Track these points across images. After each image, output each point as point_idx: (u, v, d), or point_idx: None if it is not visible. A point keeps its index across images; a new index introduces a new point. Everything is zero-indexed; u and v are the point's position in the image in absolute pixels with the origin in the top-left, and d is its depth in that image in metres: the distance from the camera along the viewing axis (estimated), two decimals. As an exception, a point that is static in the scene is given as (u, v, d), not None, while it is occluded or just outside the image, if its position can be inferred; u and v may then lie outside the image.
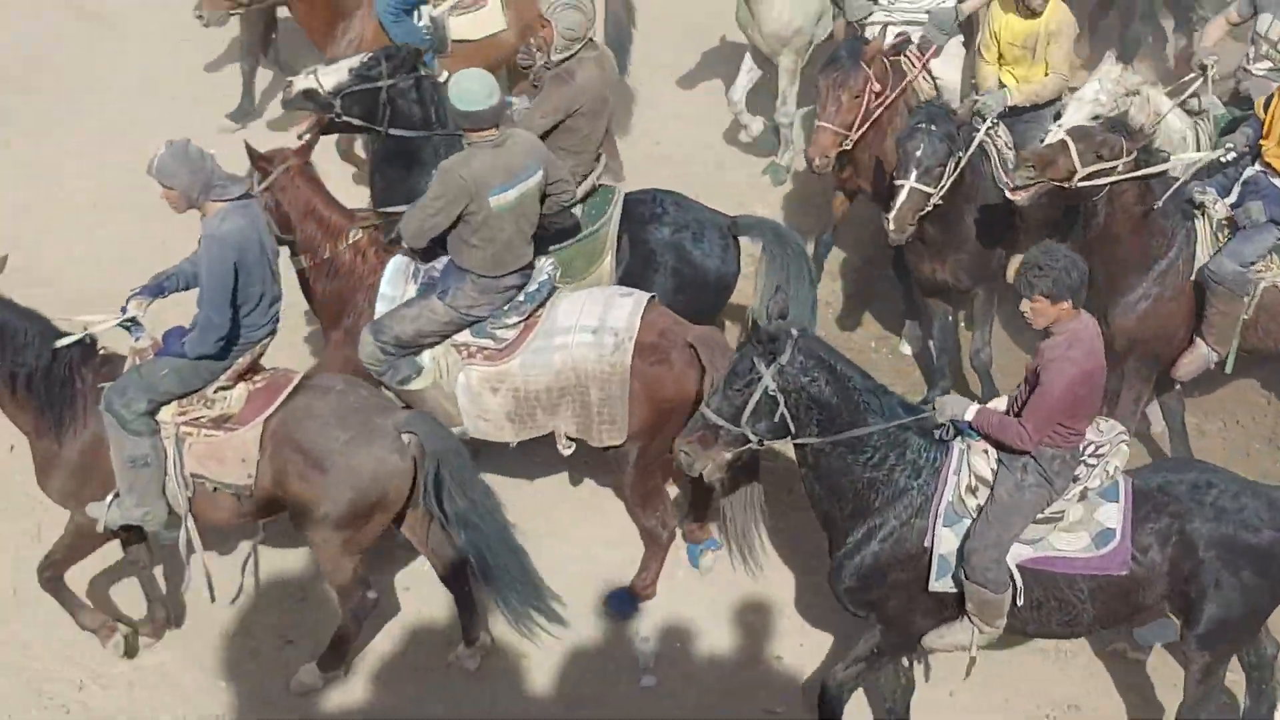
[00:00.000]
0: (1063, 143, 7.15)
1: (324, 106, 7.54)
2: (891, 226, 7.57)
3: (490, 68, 8.91)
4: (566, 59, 7.33)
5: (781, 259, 7.40)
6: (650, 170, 9.68)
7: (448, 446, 6.54)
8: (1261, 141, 7.64)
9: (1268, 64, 8.18)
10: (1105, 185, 7.16)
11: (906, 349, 9.13)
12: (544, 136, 7.24)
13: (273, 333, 6.66)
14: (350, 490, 6.46)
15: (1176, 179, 7.42)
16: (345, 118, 7.54)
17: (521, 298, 6.95)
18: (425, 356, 6.94)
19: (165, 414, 6.48)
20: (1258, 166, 7.62)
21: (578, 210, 7.48)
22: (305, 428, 6.49)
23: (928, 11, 8.65)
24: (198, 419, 6.50)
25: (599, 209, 7.56)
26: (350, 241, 7.12)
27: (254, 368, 6.66)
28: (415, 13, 8.97)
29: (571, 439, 7.02)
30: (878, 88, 8.10)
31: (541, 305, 6.99)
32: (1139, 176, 7.21)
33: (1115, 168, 7.11)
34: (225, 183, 6.32)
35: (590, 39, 7.38)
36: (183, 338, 6.44)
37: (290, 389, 6.58)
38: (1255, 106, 7.79)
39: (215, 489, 6.57)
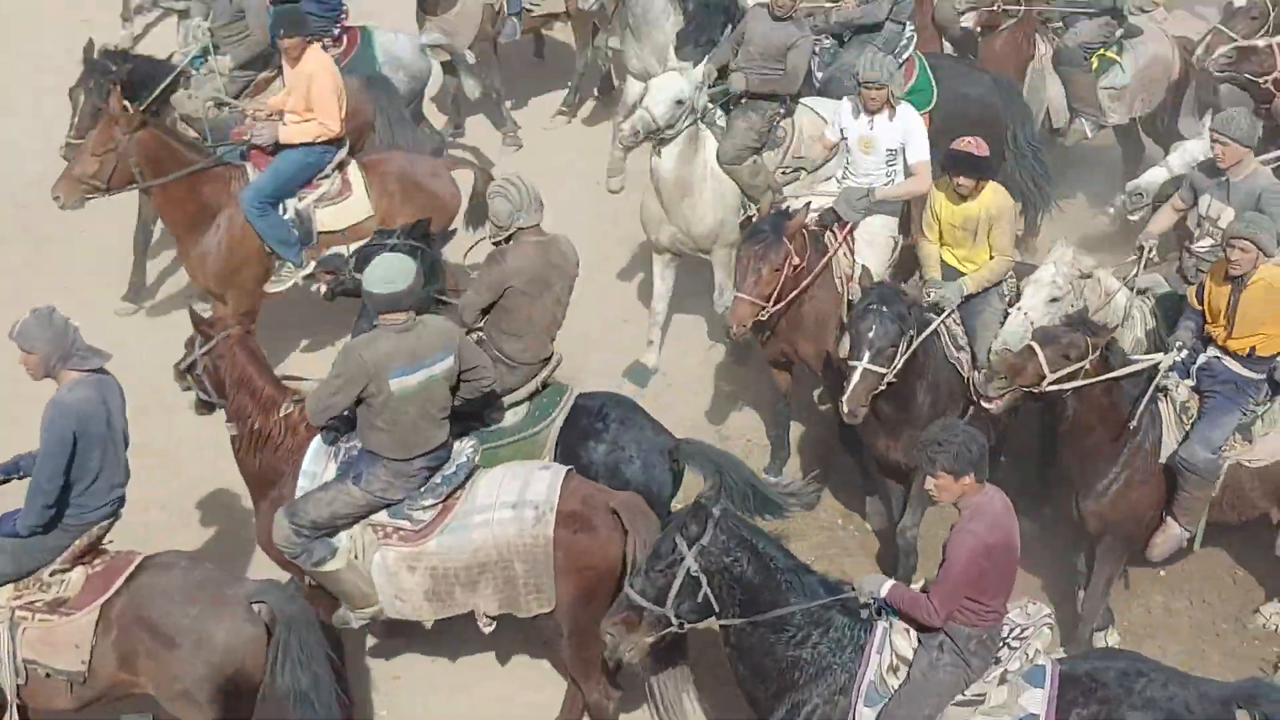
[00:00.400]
0: (1030, 349, 7.31)
1: (339, 265, 7.94)
2: (845, 408, 7.64)
3: None
4: (502, 241, 7.55)
5: (726, 490, 7.28)
6: (612, 355, 9.90)
7: (300, 615, 6.51)
8: (1209, 329, 7.72)
9: (1209, 241, 8.26)
10: (1073, 388, 7.30)
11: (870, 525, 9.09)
12: (484, 316, 7.47)
13: (113, 516, 6.67)
14: (204, 665, 6.40)
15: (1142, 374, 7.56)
16: (354, 275, 7.75)
17: (438, 480, 6.98)
18: (342, 537, 6.96)
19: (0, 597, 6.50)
20: (1211, 352, 7.70)
21: (524, 408, 7.58)
22: (152, 606, 6.47)
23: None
24: (32, 603, 6.50)
25: (544, 410, 7.61)
26: (282, 415, 7.20)
27: (93, 551, 6.67)
28: (280, 206, 9.14)
29: (493, 617, 7.00)
30: (797, 261, 8.27)
31: (460, 487, 7.02)
32: (1109, 379, 7.38)
33: (1083, 367, 7.26)
34: (85, 354, 6.46)
35: (536, 225, 7.53)
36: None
37: (130, 570, 6.58)
38: (1188, 297, 7.90)
39: (48, 675, 6.52)
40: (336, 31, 10.46)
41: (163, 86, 9.66)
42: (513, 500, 6.90)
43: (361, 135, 10.00)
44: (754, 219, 9.23)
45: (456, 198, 9.37)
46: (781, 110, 9.45)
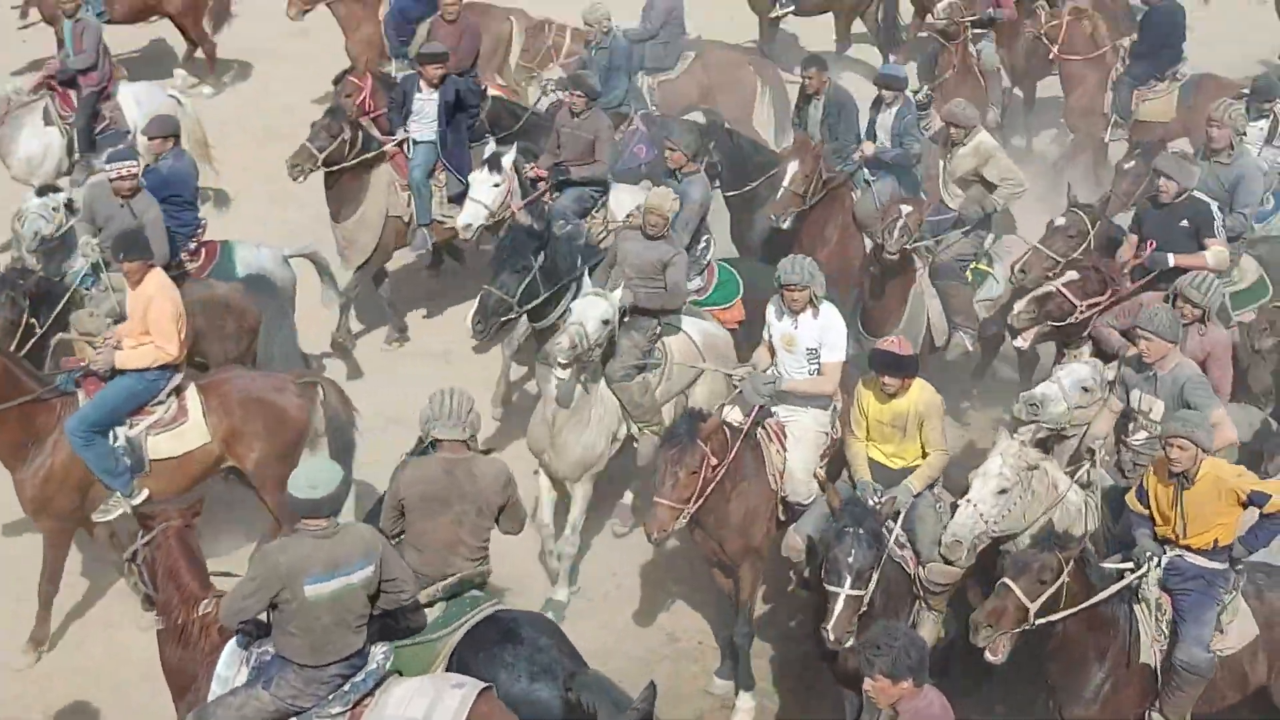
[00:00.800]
0: (1004, 586, 7.26)
1: None
2: (831, 636, 7.51)
3: (194, 482, 9.06)
4: (427, 448, 7.51)
5: None
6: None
7: None
8: (1161, 530, 7.70)
9: (1144, 434, 8.30)
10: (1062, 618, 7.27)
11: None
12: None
13: None
14: None
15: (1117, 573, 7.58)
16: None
17: (347, 687, 6.74)
18: (251, 742, 6.70)
19: None
20: (1173, 552, 7.66)
21: (439, 608, 7.37)
22: None
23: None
24: None
25: (450, 619, 7.36)
26: (200, 613, 7.01)
27: None
28: (110, 433, 8.88)
29: None
30: (714, 461, 8.25)
31: (370, 694, 6.78)
32: (1098, 602, 7.36)
33: (1064, 583, 7.20)
34: None
35: (459, 442, 7.39)
36: None
37: None
38: (1129, 501, 7.88)
39: None
40: (193, 246, 10.47)
41: (61, 305, 9.61)
42: (419, 717, 6.65)
43: (253, 336, 10.06)
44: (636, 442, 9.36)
45: (303, 410, 9.25)
46: (659, 329, 9.58)
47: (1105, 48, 13.59)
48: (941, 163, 11.03)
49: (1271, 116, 11.29)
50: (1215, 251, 9.52)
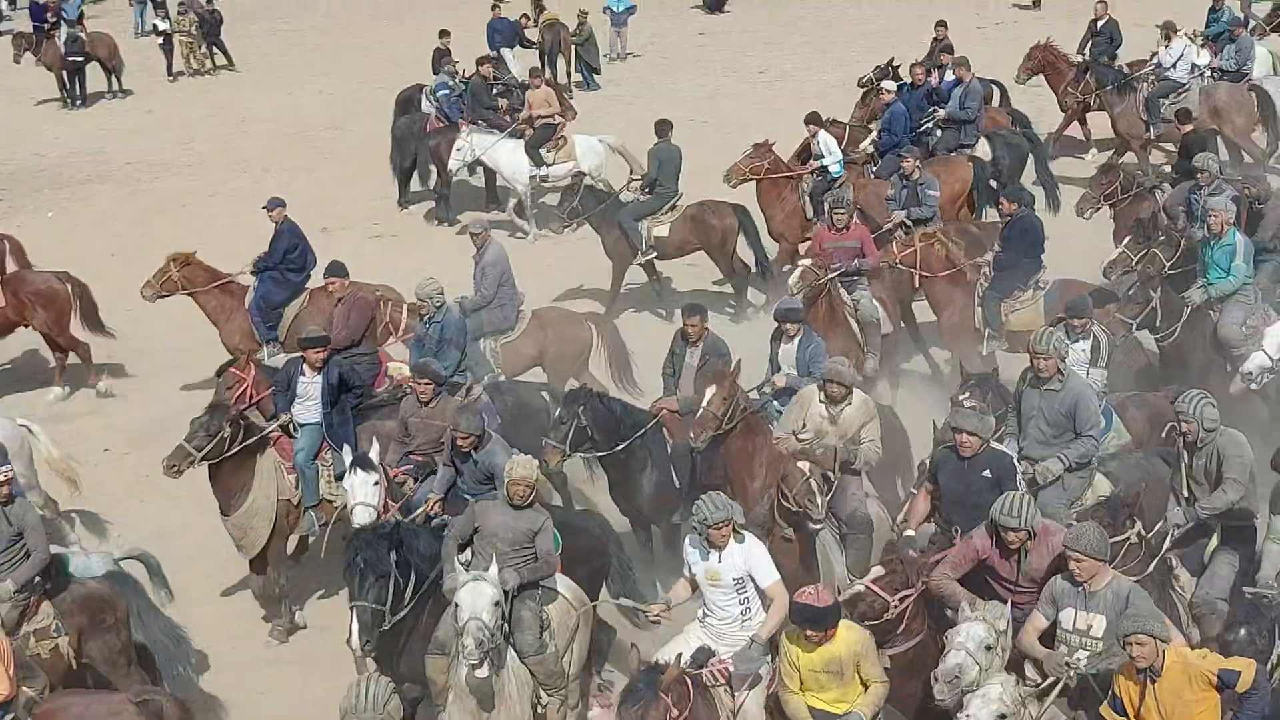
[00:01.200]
0: None
1: None
2: None
3: None
4: None
5: None
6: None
7: None
8: None
9: (1084, 654, 8.09)
10: None
11: None
12: None
13: None
14: None
15: None
16: None
17: None
18: None
19: None
20: None
21: None
22: None
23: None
24: None
25: None
26: None
27: None
28: None
29: None
30: (676, 714, 7.96)
31: None
32: None
33: None
34: None
35: None
36: None
37: None
38: (1105, 716, 7.77)
39: None
40: None
41: None
42: None
43: (128, 628, 9.99)
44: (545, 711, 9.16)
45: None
46: (540, 594, 9.41)
47: (962, 265, 13.99)
48: (823, 421, 10.55)
49: (1092, 338, 11.35)
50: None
